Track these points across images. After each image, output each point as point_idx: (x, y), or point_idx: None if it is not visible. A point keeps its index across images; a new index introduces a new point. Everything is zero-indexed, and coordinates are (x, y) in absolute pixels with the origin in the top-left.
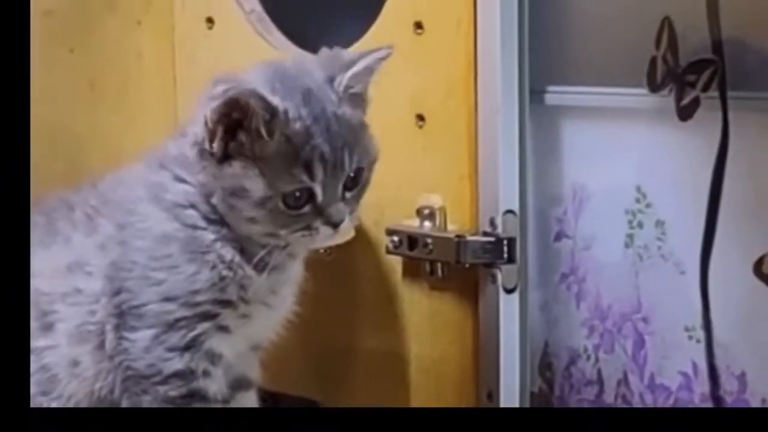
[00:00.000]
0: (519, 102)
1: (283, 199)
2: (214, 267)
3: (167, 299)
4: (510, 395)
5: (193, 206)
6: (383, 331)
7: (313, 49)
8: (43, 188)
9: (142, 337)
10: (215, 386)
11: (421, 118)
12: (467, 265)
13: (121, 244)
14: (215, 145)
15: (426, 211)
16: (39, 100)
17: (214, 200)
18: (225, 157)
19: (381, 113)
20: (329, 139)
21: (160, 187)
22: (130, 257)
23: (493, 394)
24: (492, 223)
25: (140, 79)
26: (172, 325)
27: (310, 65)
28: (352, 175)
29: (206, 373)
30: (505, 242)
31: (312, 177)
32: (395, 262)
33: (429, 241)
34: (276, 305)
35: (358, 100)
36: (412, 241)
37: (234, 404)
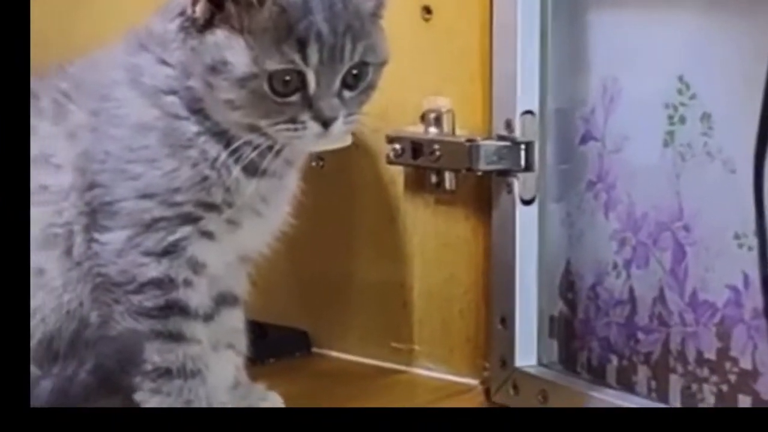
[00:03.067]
0: None
1: (269, 80)
2: (195, 164)
3: (144, 196)
4: (527, 320)
5: (174, 92)
6: (382, 251)
7: None
8: None
9: (114, 238)
10: (197, 298)
11: (427, 10)
12: (479, 174)
13: (94, 132)
14: (198, 8)
15: (432, 115)
16: None
17: (192, 82)
18: (208, 25)
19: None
20: (330, 18)
21: (139, 70)
22: (103, 146)
23: (507, 319)
24: (508, 125)
25: None
26: (149, 226)
27: None
28: (354, 71)
29: (187, 283)
30: (522, 147)
31: (305, 58)
32: (396, 174)
33: (436, 147)
34: (268, 215)
35: None
36: (417, 148)
37: (218, 321)
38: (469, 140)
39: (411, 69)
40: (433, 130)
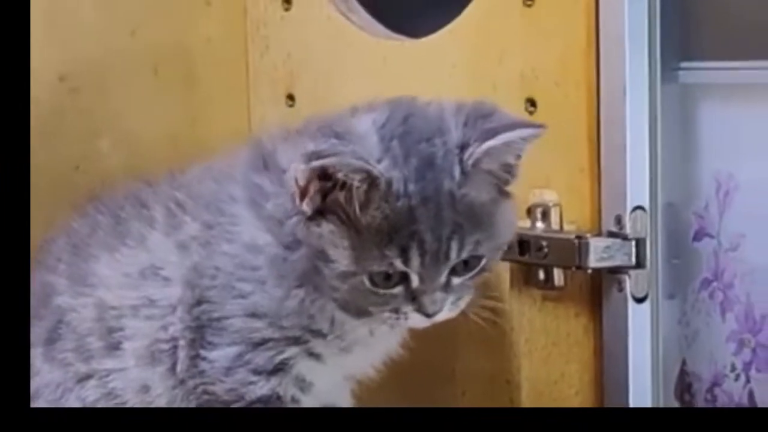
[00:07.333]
0: (649, 80)
1: (370, 277)
2: (302, 301)
3: (253, 315)
4: None
5: (285, 225)
6: (488, 351)
7: (404, 29)
8: (100, 186)
9: (222, 356)
10: None
11: (532, 103)
12: (589, 271)
13: (206, 246)
14: (305, 204)
15: (539, 210)
16: (98, 89)
17: (297, 255)
18: (318, 214)
19: (487, 98)
20: (435, 226)
21: (259, 191)
22: (214, 262)
23: None
24: (618, 221)
25: (209, 68)
26: (258, 345)
27: (449, 118)
28: (465, 262)
29: (295, 401)
30: (633, 243)
31: (406, 263)
32: (501, 270)
33: (543, 243)
34: (376, 346)
35: (493, 176)
36: (523, 244)
37: None
38: (578, 236)
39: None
40: (540, 225)
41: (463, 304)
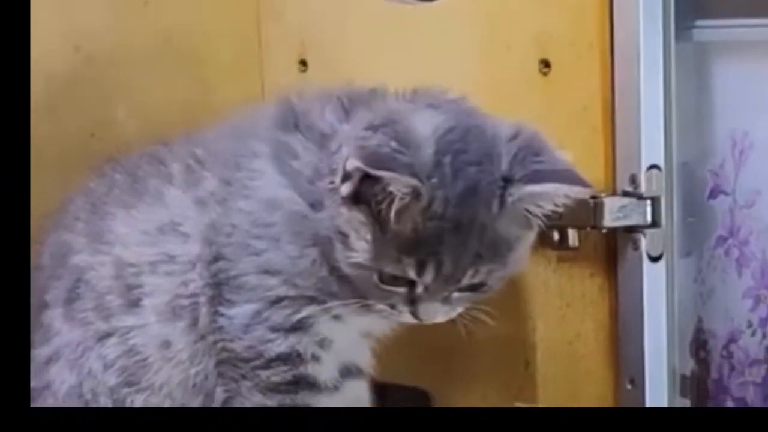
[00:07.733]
0: (663, 39)
1: (379, 274)
2: (313, 262)
3: (267, 272)
4: (657, 380)
5: (314, 183)
6: (503, 311)
7: None
8: (115, 152)
9: (240, 313)
10: (326, 373)
11: (546, 63)
12: (604, 231)
13: (223, 203)
14: (345, 187)
15: None
16: (111, 59)
17: (319, 217)
18: (352, 198)
19: (500, 60)
20: (459, 253)
21: (287, 149)
22: (230, 219)
23: (636, 379)
24: (633, 180)
25: (222, 36)
26: (274, 302)
27: (502, 144)
28: (472, 284)
29: (315, 358)
30: (648, 202)
31: (419, 275)
32: None
33: None
34: None
35: (527, 213)
36: None
37: (344, 393)
38: (593, 196)
39: (530, 123)
40: None
41: (454, 313)
